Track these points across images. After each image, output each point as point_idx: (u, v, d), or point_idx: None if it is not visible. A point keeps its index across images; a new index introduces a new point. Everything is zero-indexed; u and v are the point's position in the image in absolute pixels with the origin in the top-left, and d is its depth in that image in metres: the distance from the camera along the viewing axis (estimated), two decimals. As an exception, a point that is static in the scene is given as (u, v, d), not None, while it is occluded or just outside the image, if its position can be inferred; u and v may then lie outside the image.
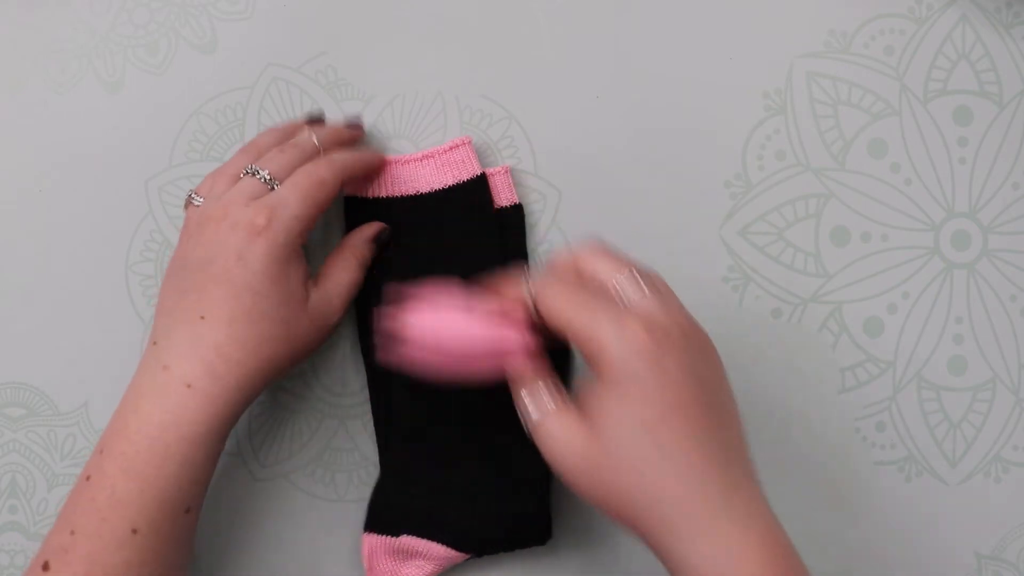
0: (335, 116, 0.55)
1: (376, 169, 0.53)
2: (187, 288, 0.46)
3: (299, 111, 0.55)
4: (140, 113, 0.55)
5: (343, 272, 0.50)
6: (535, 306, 0.43)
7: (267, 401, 0.54)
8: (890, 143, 0.56)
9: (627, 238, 0.55)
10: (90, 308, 0.55)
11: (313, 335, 0.48)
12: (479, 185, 0.53)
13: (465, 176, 0.53)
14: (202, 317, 0.45)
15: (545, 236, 0.55)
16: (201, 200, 0.49)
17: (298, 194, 0.47)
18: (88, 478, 0.45)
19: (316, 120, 0.53)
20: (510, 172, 0.54)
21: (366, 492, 0.54)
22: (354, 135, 0.53)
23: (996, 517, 0.55)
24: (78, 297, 0.55)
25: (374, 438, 0.54)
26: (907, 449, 0.55)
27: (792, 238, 0.55)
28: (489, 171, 0.54)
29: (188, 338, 0.45)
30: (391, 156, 0.54)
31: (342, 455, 0.55)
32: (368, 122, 0.55)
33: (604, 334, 0.40)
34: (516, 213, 0.54)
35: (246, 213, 0.46)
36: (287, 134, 0.52)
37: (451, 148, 0.53)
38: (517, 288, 0.44)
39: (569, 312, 0.41)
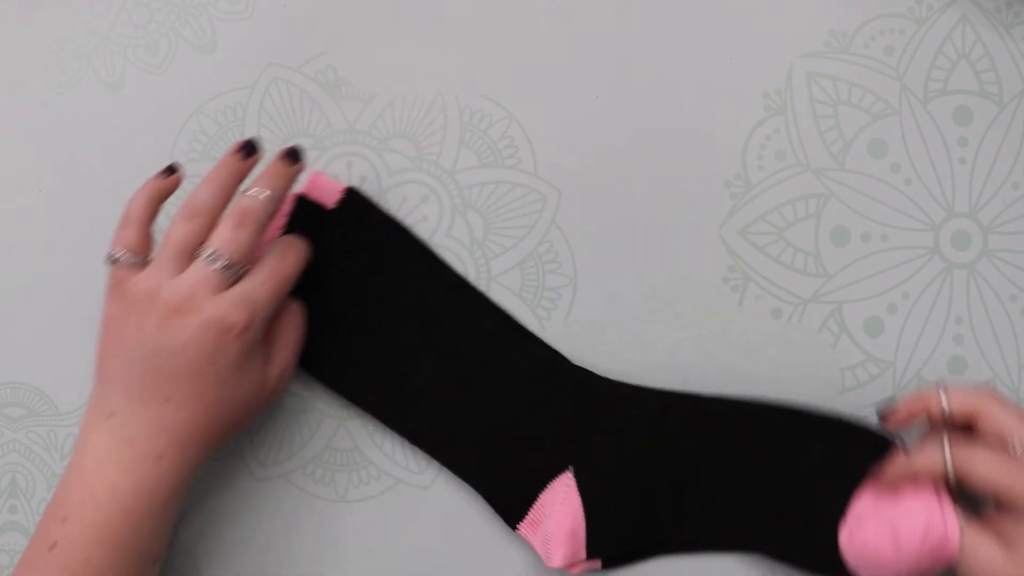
0: (335, 116, 0.55)
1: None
2: (151, 372, 0.46)
3: (299, 111, 0.55)
4: (140, 113, 0.55)
5: (288, 346, 0.50)
6: (953, 470, 0.47)
7: (267, 401, 0.55)
8: (890, 143, 0.56)
9: (627, 238, 0.55)
10: (90, 308, 0.55)
11: (264, 406, 0.51)
12: (353, 200, 0.54)
13: (332, 200, 0.53)
14: (168, 400, 0.46)
15: (545, 236, 0.55)
16: (132, 259, 0.47)
17: (268, 294, 0.47)
18: (54, 546, 0.45)
19: (250, 151, 0.49)
20: (319, 173, 0.54)
21: (366, 492, 0.54)
22: (297, 170, 0.50)
23: (996, 517, 0.55)
24: (78, 297, 0.55)
25: (374, 438, 0.54)
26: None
27: (792, 238, 0.55)
28: (303, 189, 0.53)
29: (154, 417, 0.46)
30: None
31: (342, 455, 0.55)
32: (368, 122, 0.55)
33: None
34: (351, 196, 0.54)
35: (218, 311, 0.45)
36: (225, 186, 0.48)
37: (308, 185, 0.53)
38: (930, 459, 0.47)
39: (1002, 476, 0.45)
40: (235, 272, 0.47)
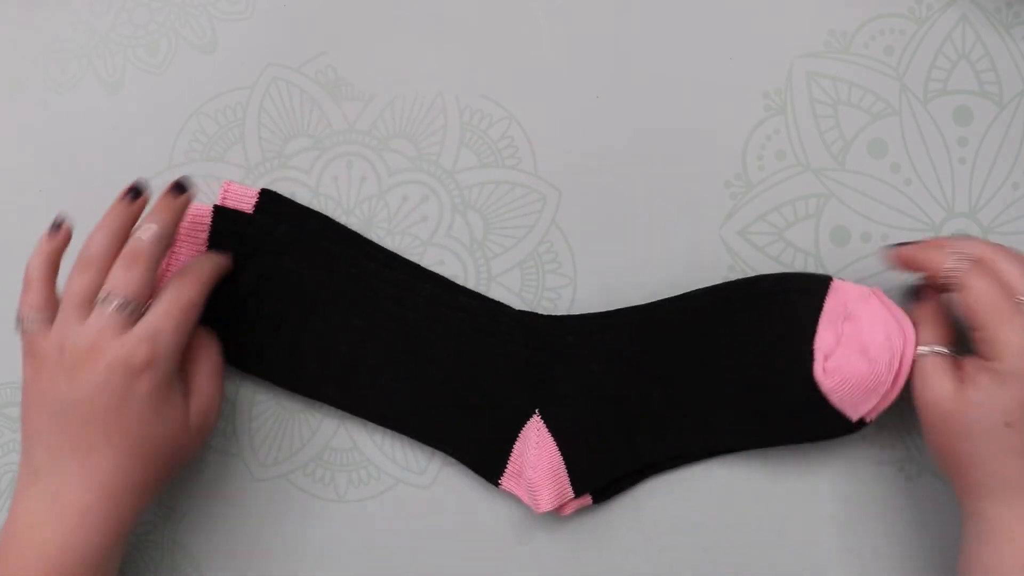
0: (335, 116, 0.55)
1: (225, 265, 0.52)
2: (68, 425, 0.46)
3: (299, 111, 0.55)
4: (140, 113, 0.55)
5: (207, 367, 0.50)
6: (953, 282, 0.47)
7: (267, 401, 0.55)
8: (890, 143, 0.56)
9: (627, 238, 0.55)
10: (90, 308, 0.55)
11: (196, 442, 0.50)
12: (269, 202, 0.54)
13: (249, 205, 0.54)
14: (90, 450, 0.46)
15: (545, 236, 0.55)
16: (39, 317, 0.47)
17: (172, 323, 0.47)
18: None
19: (136, 194, 0.49)
20: (230, 182, 0.54)
21: (366, 492, 0.54)
22: (184, 201, 0.49)
23: (996, 517, 0.55)
24: (78, 297, 0.55)
25: (374, 438, 0.54)
26: (907, 449, 0.55)
27: (792, 238, 0.55)
28: (218, 200, 0.54)
29: (78, 469, 0.46)
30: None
31: (342, 455, 0.55)
32: (368, 122, 0.55)
33: (1014, 338, 0.45)
34: (266, 197, 0.54)
35: (121, 351, 0.45)
36: (117, 231, 0.48)
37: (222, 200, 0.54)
38: (939, 258, 0.48)
39: (993, 307, 0.46)
40: (134, 310, 0.46)
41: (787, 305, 0.52)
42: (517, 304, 0.55)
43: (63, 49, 0.56)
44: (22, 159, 0.55)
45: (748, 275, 0.55)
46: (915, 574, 0.55)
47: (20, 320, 0.48)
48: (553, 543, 0.54)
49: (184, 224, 0.53)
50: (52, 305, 0.48)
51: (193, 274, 0.49)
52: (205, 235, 0.53)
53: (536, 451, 0.53)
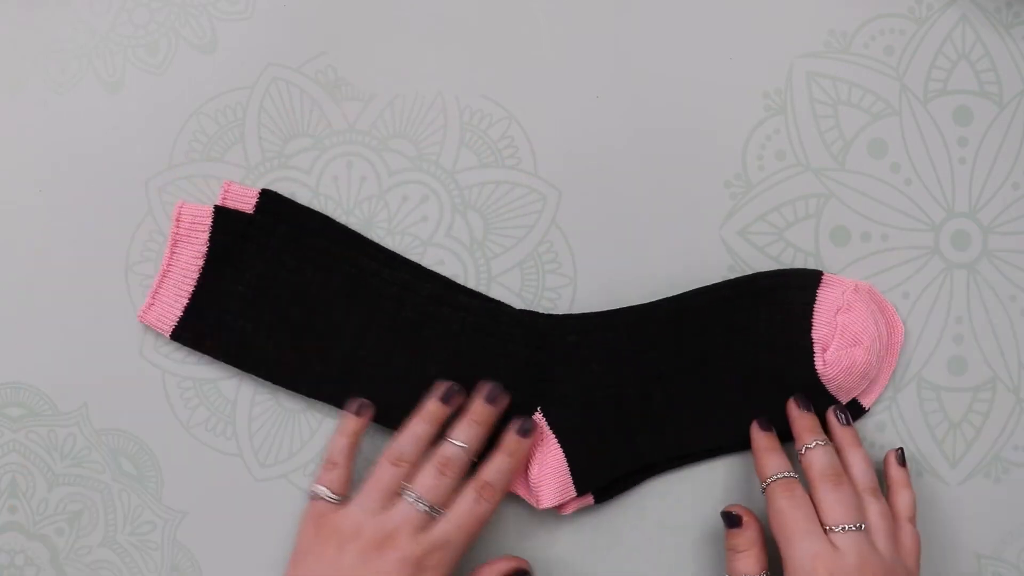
0: (335, 116, 0.55)
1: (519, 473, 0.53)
2: None
3: (299, 111, 0.55)
4: (140, 113, 0.55)
5: None
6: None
7: (267, 401, 0.55)
8: (890, 143, 0.56)
9: (627, 238, 0.55)
10: (90, 308, 0.55)
11: None
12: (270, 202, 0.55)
13: (250, 205, 0.54)
14: None
15: (545, 236, 0.55)
16: (335, 498, 0.50)
17: (463, 536, 0.49)
18: None
19: (448, 397, 0.52)
20: (230, 182, 0.54)
21: (366, 492, 0.54)
22: (498, 411, 0.52)
23: (996, 517, 0.55)
24: (78, 297, 0.55)
25: (374, 438, 0.54)
26: (907, 449, 0.55)
27: (792, 238, 0.55)
28: (219, 201, 0.54)
29: None
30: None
31: (342, 455, 0.55)
32: (368, 122, 0.55)
33: (799, 555, 0.48)
34: (267, 197, 0.54)
35: (418, 550, 0.48)
36: (430, 432, 0.51)
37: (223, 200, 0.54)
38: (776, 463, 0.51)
39: (789, 526, 0.49)
40: (435, 513, 0.49)
41: (783, 301, 0.53)
42: (517, 304, 0.55)
43: (63, 49, 0.56)
44: (22, 159, 0.55)
45: (755, 272, 0.55)
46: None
47: (316, 495, 0.51)
48: (554, 542, 0.54)
49: (184, 224, 0.53)
50: (348, 488, 0.51)
51: (488, 494, 0.50)
52: (206, 235, 0.53)
53: (540, 448, 0.53)
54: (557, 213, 0.55)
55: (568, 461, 0.53)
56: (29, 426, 0.55)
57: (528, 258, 0.55)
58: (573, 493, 0.52)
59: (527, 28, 0.56)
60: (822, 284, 0.53)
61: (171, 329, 0.53)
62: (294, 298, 0.53)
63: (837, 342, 0.52)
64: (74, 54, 0.56)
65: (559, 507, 0.53)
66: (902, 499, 0.52)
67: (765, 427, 0.52)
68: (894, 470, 0.53)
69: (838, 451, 0.52)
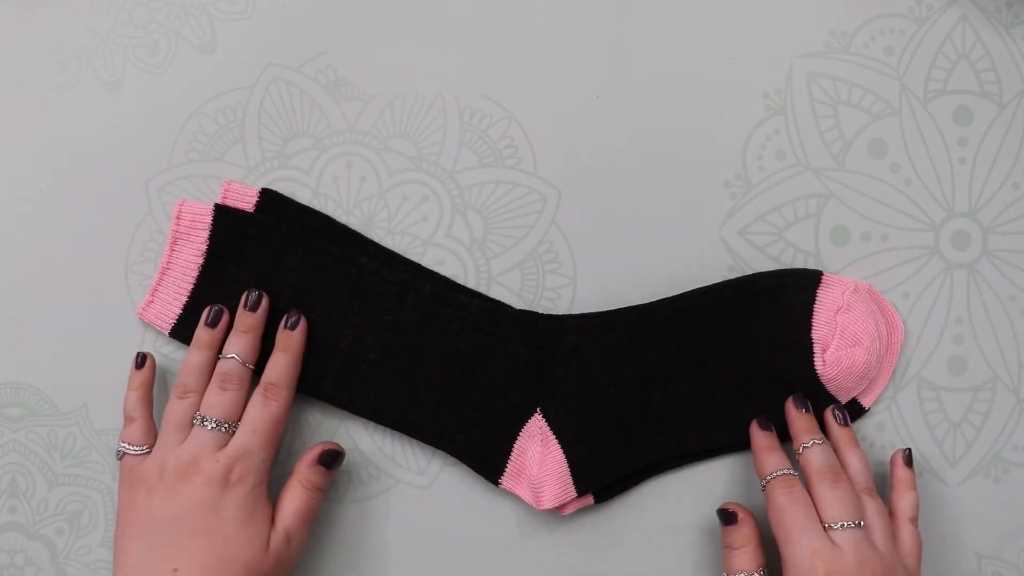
0: (335, 116, 0.55)
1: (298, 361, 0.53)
2: (158, 543, 0.48)
3: (299, 111, 0.55)
4: (140, 113, 0.55)
5: (293, 505, 0.51)
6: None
7: (267, 401, 0.55)
8: (890, 143, 0.56)
9: (627, 238, 0.55)
10: (90, 308, 0.55)
11: (273, 571, 0.50)
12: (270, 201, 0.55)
13: (250, 204, 0.54)
14: (175, 569, 0.47)
15: (545, 236, 0.55)
16: (139, 450, 0.51)
17: (258, 440, 0.50)
18: None
19: (216, 320, 0.52)
20: (230, 181, 0.55)
21: (366, 492, 0.54)
22: (261, 318, 0.52)
23: (996, 517, 0.55)
24: (78, 297, 0.55)
25: (374, 438, 0.54)
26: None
27: (792, 238, 0.55)
28: (219, 199, 0.54)
29: None
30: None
31: (342, 455, 0.55)
32: (368, 122, 0.55)
33: (798, 552, 0.48)
34: (267, 196, 0.54)
35: (217, 466, 0.49)
36: (207, 356, 0.52)
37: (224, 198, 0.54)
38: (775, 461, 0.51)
39: (789, 524, 0.49)
40: (227, 429, 0.50)
41: (783, 301, 0.53)
42: (517, 304, 0.55)
43: (63, 49, 0.56)
44: (22, 159, 0.55)
45: (755, 272, 0.55)
46: (915, 574, 0.55)
47: (120, 452, 0.51)
48: (554, 543, 0.54)
49: (184, 222, 0.53)
50: (151, 437, 0.52)
51: (275, 393, 0.51)
52: (205, 234, 0.53)
53: (541, 449, 0.53)
54: (557, 213, 0.55)
55: (568, 461, 0.53)
56: (29, 426, 0.55)
57: (528, 258, 0.55)
58: (573, 493, 0.52)
59: (527, 28, 0.56)
60: (822, 284, 0.53)
61: (170, 327, 0.53)
62: (294, 297, 0.53)
63: (837, 342, 0.52)
64: (74, 54, 0.56)
65: (559, 507, 0.53)
66: (906, 500, 0.52)
67: (764, 426, 0.52)
68: (900, 470, 0.53)
69: (836, 451, 0.52)
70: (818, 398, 0.53)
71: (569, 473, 0.52)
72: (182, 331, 0.53)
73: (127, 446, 0.51)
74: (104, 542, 0.54)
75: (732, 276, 0.55)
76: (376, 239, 0.55)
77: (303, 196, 0.55)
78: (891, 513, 0.51)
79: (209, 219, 0.53)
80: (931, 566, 0.55)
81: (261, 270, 0.53)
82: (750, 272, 0.55)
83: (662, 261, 0.55)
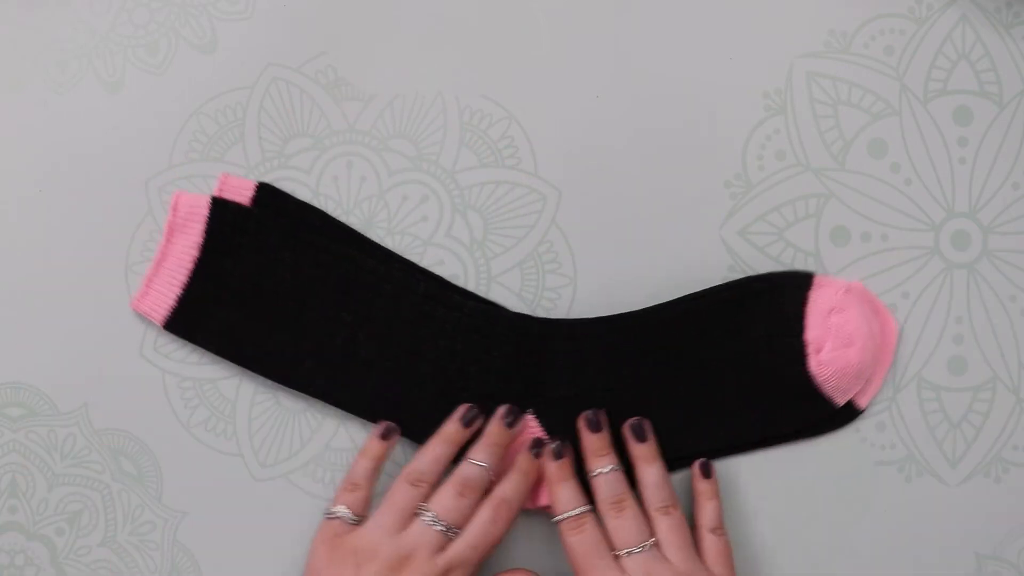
0: (335, 116, 0.55)
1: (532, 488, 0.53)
2: None
3: (299, 111, 0.55)
4: (140, 113, 0.55)
5: None
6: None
7: (267, 401, 0.55)
8: (890, 143, 0.56)
9: (627, 238, 0.55)
10: (90, 308, 0.55)
11: None
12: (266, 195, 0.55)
13: (247, 198, 0.54)
14: None
15: (545, 236, 0.55)
16: (355, 520, 0.50)
17: (476, 555, 0.50)
18: None
19: (470, 421, 0.52)
20: (227, 174, 0.55)
21: (366, 492, 0.54)
22: (516, 432, 0.52)
23: (996, 517, 0.55)
24: (78, 297, 0.55)
25: (364, 431, 0.54)
26: (907, 449, 0.55)
27: (792, 238, 0.55)
28: (216, 192, 0.54)
29: None
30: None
31: (342, 455, 0.55)
32: (368, 122, 0.55)
33: None
34: (265, 191, 0.54)
35: (431, 570, 0.48)
36: (448, 453, 0.51)
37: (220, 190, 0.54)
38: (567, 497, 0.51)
39: (582, 562, 0.50)
40: (452, 536, 0.50)
41: (776, 303, 0.53)
42: (517, 304, 0.55)
43: (63, 49, 0.56)
44: (22, 159, 0.55)
45: (748, 275, 0.55)
46: (915, 574, 0.55)
47: (333, 514, 0.51)
48: (554, 543, 0.54)
49: (180, 213, 0.53)
50: (367, 509, 0.51)
51: (503, 513, 0.50)
52: (201, 227, 0.53)
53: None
54: (557, 213, 0.55)
55: None
56: (29, 426, 0.55)
57: (528, 258, 0.55)
58: None
59: (527, 28, 0.56)
60: (814, 285, 0.53)
61: (164, 319, 0.53)
62: (289, 292, 0.53)
63: (831, 343, 0.52)
64: (74, 54, 0.56)
65: (550, 508, 0.53)
66: (705, 511, 0.52)
67: (556, 455, 0.52)
68: (698, 482, 0.53)
69: (634, 468, 0.52)
70: (814, 400, 0.53)
71: None
72: (176, 323, 0.53)
73: (347, 512, 0.51)
74: (104, 542, 0.54)
75: (732, 276, 0.55)
76: (376, 239, 0.55)
77: (303, 196, 0.55)
78: (693, 526, 0.52)
79: (206, 211, 0.53)
80: (931, 566, 0.55)
81: (257, 264, 0.53)
82: (750, 272, 0.55)
83: (662, 261, 0.55)
